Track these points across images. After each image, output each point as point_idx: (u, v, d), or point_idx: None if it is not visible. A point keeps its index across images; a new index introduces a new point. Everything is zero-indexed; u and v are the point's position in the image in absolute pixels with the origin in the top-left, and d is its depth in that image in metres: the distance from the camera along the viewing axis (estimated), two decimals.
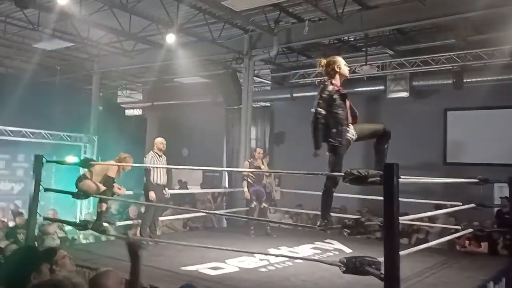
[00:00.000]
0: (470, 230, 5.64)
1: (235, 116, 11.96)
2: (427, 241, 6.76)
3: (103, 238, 7.21)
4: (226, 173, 12.60)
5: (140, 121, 15.53)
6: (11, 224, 7.92)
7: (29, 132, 10.82)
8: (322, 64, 4.31)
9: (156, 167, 6.32)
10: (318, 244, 6.52)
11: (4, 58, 12.52)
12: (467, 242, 6.62)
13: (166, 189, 6.62)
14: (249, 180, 7.44)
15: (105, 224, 5.76)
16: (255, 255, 5.38)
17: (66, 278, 1.25)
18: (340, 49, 10.19)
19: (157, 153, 6.45)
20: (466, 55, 9.18)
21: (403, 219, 3.38)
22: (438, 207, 6.66)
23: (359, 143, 4.51)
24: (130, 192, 6.91)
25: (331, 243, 6.59)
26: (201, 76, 12.10)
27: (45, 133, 11.09)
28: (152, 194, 6.23)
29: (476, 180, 5.54)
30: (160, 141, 6.54)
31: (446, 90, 9.90)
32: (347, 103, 4.23)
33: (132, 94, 16.56)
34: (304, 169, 4.36)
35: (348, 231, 3.33)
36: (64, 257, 3.42)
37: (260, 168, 7.45)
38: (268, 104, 13.14)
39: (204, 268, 4.84)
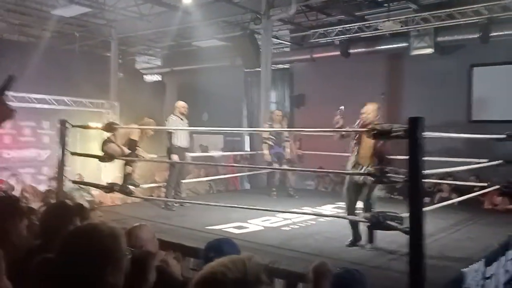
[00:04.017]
0: (497, 186, 5.56)
1: (254, 79, 11.86)
2: (450, 200, 6.71)
3: (129, 200, 7.40)
4: (247, 137, 12.65)
5: (159, 86, 15.56)
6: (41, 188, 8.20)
7: (53, 99, 10.99)
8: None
9: (179, 130, 6.37)
10: (341, 204, 6.53)
11: (24, 27, 12.57)
12: (499, 199, 6.51)
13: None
14: (269, 142, 7.45)
15: (130, 186, 5.90)
16: (278, 214, 5.45)
17: (103, 223, 1.28)
18: (361, 5, 9.87)
19: (179, 117, 6.50)
20: (494, 6, 8.74)
21: (426, 173, 3.33)
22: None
23: None
24: (154, 155, 7.02)
25: None
26: (218, 38, 11.93)
27: (67, 100, 11.25)
28: (174, 157, 6.31)
29: (503, 136, 5.43)
30: (182, 104, 6.58)
31: (473, 45, 9.50)
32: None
33: (151, 60, 16.52)
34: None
35: (372, 178, 3.34)
36: (100, 217, 3.56)
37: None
38: (287, 66, 12.93)
39: (228, 227, 4.95)
